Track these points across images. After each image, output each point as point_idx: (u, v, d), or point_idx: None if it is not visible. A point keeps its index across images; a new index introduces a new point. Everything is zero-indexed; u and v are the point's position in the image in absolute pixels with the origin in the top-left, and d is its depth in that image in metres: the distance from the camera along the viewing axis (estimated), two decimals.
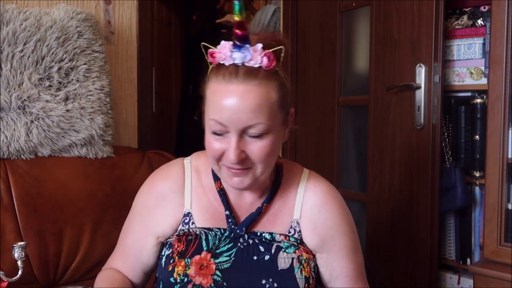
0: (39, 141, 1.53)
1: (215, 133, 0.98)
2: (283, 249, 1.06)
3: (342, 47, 2.24)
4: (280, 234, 1.08)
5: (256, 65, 0.96)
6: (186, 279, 1.03)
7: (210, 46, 1.00)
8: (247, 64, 0.96)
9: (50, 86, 1.57)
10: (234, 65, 0.96)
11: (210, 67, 1.02)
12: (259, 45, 0.97)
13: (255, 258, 1.05)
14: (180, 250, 1.06)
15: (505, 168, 1.61)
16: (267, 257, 1.05)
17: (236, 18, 0.94)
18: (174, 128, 3.59)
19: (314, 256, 1.11)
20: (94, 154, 1.64)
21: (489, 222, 1.64)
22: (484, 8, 1.83)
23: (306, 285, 1.05)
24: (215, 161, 1.01)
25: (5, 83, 1.50)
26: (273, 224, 1.09)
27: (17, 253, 1.20)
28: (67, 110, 1.57)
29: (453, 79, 1.89)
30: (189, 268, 1.03)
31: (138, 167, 1.69)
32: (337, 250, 1.11)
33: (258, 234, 1.07)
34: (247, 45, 0.96)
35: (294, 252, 1.06)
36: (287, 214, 1.10)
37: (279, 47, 0.98)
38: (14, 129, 1.51)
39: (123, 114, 2.01)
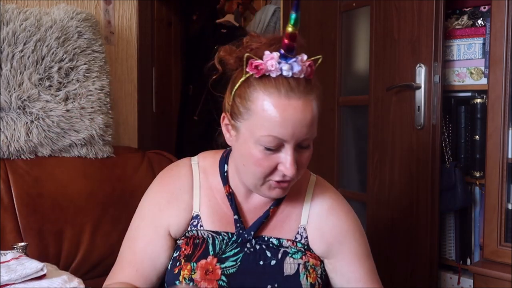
0: (39, 141, 1.53)
1: (268, 149, 0.95)
2: (289, 255, 1.05)
3: (342, 47, 2.24)
4: (288, 240, 1.07)
5: (301, 76, 0.95)
6: (191, 284, 1.02)
7: (254, 57, 0.95)
8: (295, 76, 0.94)
9: (50, 86, 1.57)
10: (283, 77, 0.94)
11: (244, 77, 0.97)
12: (304, 56, 0.95)
13: (261, 263, 1.04)
14: (187, 253, 1.05)
15: (505, 168, 1.61)
16: (273, 262, 1.04)
17: (289, 29, 0.92)
18: (174, 128, 3.58)
19: (321, 262, 1.10)
20: (94, 154, 1.64)
21: (489, 222, 1.64)
22: (484, 8, 1.83)
23: None
24: (262, 177, 0.98)
25: (5, 83, 1.50)
26: (280, 230, 1.08)
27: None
28: (67, 110, 1.57)
29: (453, 79, 1.89)
30: (194, 273, 1.02)
31: (138, 167, 1.69)
32: (346, 255, 1.09)
33: (266, 239, 1.07)
34: (293, 56, 0.94)
35: (301, 258, 1.05)
36: (294, 219, 1.09)
37: (318, 56, 0.98)
38: (14, 129, 1.51)
39: (123, 114, 2.01)
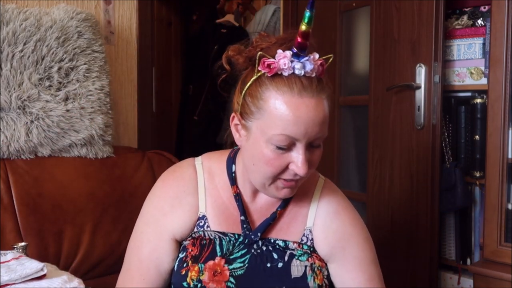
0: (39, 141, 1.53)
1: (279, 148, 0.95)
2: (296, 257, 1.05)
3: (342, 47, 2.24)
4: (294, 242, 1.07)
5: (313, 75, 0.94)
6: (199, 285, 1.02)
7: (266, 55, 0.94)
8: (307, 74, 0.94)
9: (50, 86, 1.57)
10: (296, 76, 0.94)
11: (256, 76, 0.97)
12: (316, 55, 0.95)
13: (268, 265, 1.04)
14: (194, 254, 1.05)
15: (505, 168, 1.61)
16: (280, 265, 1.04)
17: (303, 27, 0.92)
18: (174, 128, 3.59)
19: (326, 264, 1.10)
20: (94, 154, 1.64)
21: (489, 222, 1.64)
22: (484, 8, 1.83)
23: None
24: (272, 176, 0.98)
25: (5, 83, 1.50)
26: (287, 232, 1.08)
27: None
28: (67, 110, 1.57)
29: (453, 79, 1.89)
30: (202, 274, 1.02)
31: (138, 167, 1.69)
32: (348, 261, 1.08)
33: (272, 241, 1.07)
34: (305, 55, 0.94)
35: (307, 260, 1.06)
36: (300, 221, 1.09)
37: (329, 56, 0.98)
38: (14, 129, 1.51)
39: (123, 114, 2.01)
